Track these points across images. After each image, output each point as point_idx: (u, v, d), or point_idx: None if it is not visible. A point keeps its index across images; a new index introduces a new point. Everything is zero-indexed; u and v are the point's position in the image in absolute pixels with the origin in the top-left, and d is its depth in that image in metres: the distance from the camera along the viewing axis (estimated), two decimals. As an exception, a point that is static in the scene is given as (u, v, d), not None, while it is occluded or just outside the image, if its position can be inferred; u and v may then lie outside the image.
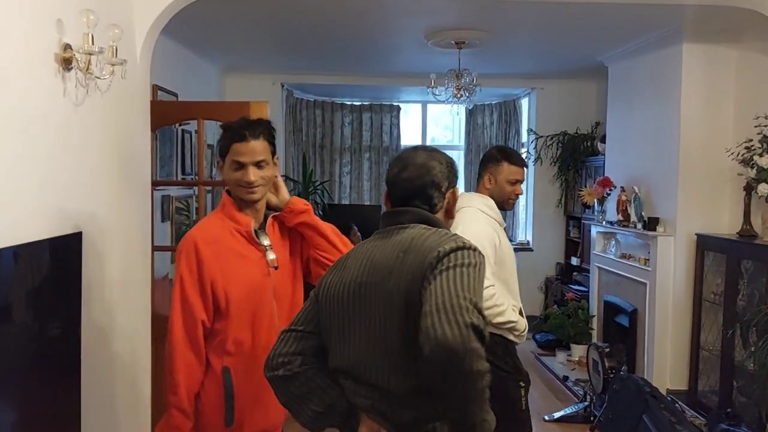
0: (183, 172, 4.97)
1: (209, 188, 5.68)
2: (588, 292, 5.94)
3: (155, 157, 4.23)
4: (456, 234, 1.53)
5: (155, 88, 4.27)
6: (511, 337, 2.76)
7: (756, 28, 4.12)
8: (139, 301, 2.93)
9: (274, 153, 2.03)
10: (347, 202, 7.69)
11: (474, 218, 2.75)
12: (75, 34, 2.18)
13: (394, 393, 1.46)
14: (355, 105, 7.78)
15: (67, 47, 2.16)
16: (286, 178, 6.96)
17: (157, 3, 2.91)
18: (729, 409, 3.79)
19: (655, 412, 3.70)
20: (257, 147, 1.94)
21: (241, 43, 5.42)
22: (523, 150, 7.23)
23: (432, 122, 8.21)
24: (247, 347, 1.99)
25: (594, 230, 5.78)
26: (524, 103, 7.37)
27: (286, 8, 4.28)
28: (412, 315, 1.39)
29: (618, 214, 5.24)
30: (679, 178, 4.53)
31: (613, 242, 5.53)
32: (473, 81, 5.38)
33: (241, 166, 1.93)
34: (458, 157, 8.13)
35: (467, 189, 6.93)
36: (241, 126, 1.96)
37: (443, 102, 5.63)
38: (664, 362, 4.63)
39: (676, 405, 4.11)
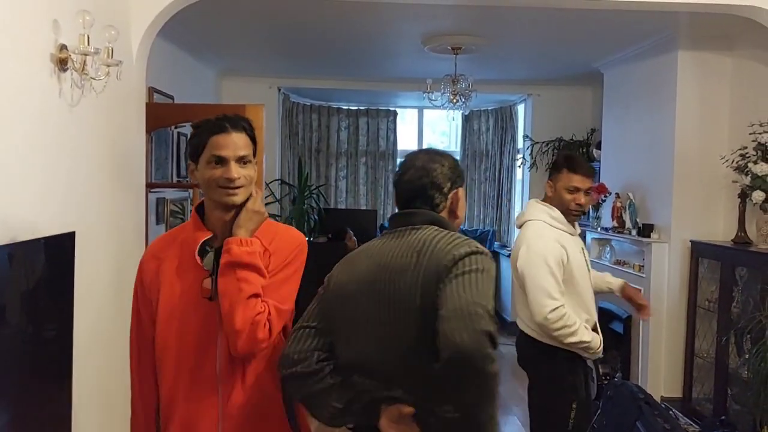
0: (178, 175, 4.96)
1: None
2: (583, 298, 5.93)
3: (150, 159, 4.22)
4: (468, 238, 1.58)
5: (151, 91, 4.26)
6: (586, 355, 2.74)
7: (750, 35, 4.14)
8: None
9: (255, 153, 1.74)
10: (343, 207, 7.68)
11: (538, 235, 2.70)
12: (71, 34, 2.17)
13: (407, 395, 1.50)
14: (352, 109, 7.79)
15: (63, 48, 2.16)
16: (282, 182, 6.95)
17: (153, 5, 2.91)
18: (723, 417, 3.79)
19: (649, 419, 3.70)
20: (240, 140, 1.67)
21: (238, 47, 5.43)
22: (519, 156, 7.24)
23: (428, 128, 8.22)
24: (167, 389, 1.72)
25: (589, 236, 5.78)
26: (520, 109, 7.38)
27: (284, 12, 4.29)
28: (427, 314, 1.44)
29: (613, 220, 5.25)
30: (674, 185, 4.54)
31: (608, 248, 5.54)
32: (469, 86, 5.39)
33: (221, 161, 1.65)
34: (454, 163, 8.14)
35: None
36: (219, 119, 1.71)
37: (439, 107, 5.63)
38: (659, 369, 4.63)
39: (670, 412, 4.10)
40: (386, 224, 7.41)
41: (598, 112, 6.15)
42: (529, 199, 6.92)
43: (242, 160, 1.67)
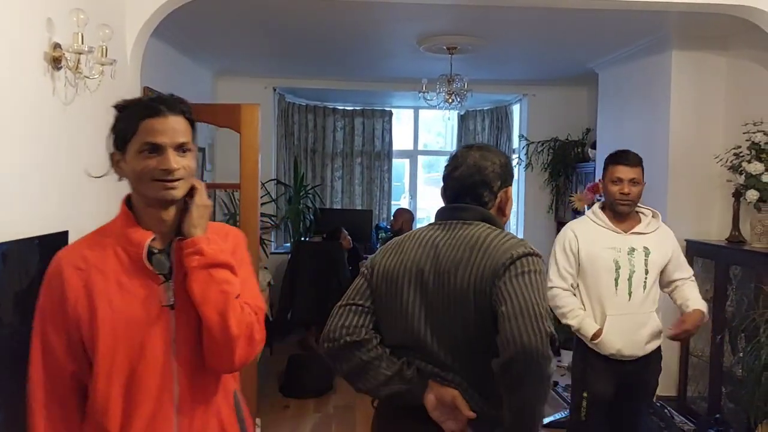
0: (173, 175, 4.95)
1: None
2: (578, 297, 5.94)
3: (145, 159, 4.21)
4: (522, 239, 1.64)
5: (146, 90, 4.24)
6: (590, 345, 2.85)
7: (744, 35, 4.15)
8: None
9: (194, 139, 1.49)
10: (339, 207, 7.67)
11: (570, 222, 3.07)
12: (65, 33, 2.17)
13: (455, 379, 1.58)
14: (347, 110, 7.79)
15: (57, 46, 2.16)
16: (278, 182, 6.95)
17: (148, 4, 2.91)
18: (718, 415, 3.80)
19: (645, 418, 3.71)
20: (178, 125, 1.42)
21: (234, 47, 5.42)
22: (515, 156, 7.26)
23: (424, 128, 8.23)
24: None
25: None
26: (515, 109, 7.39)
27: (279, 12, 4.28)
28: (482, 309, 1.54)
29: (608, 220, 5.26)
30: (669, 185, 4.56)
31: (604, 248, 5.54)
32: (464, 86, 5.39)
33: (156, 149, 1.39)
34: (450, 163, 8.14)
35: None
36: (153, 99, 1.44)
37: (434, 107, 5.64)
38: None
39: (665, 411, 4.12)
40: (381, 224, 7.45)
41: (593, 112, 6.16)
42: (525, 198, 7.00)
43: (181, 148, 1.43)
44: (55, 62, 2.15)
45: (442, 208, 1.77)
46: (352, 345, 1.63)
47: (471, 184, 1.70)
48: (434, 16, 4.35)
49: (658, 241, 2.92)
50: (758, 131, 3.90)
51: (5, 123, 1.92)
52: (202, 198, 1.47)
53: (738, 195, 4.06)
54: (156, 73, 4.39)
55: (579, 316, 2.85)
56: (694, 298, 2.95)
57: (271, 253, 6.72)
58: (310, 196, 7.20)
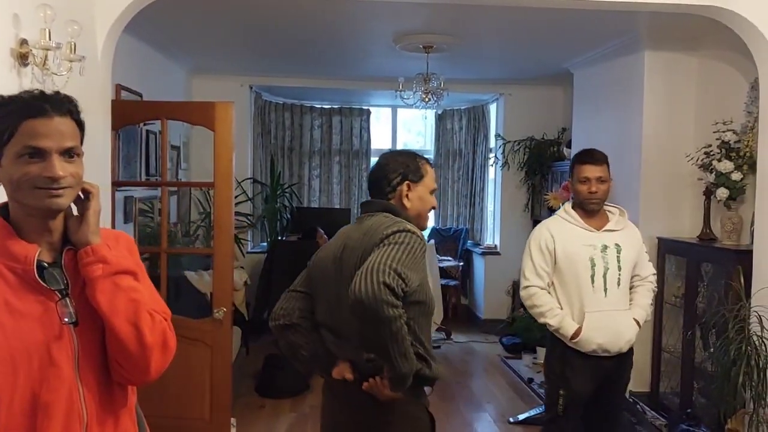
0: (147, 173, 4.91)
1: (174, 189, 5.63)
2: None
3: (118, 157, 4.17)
4: (402, 221, 1.90)
5: (119, 88, 4.21)
6: (569, 343, 2.86)
7: (714, 36, 4.21)
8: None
9: (82, 142, 1.34)
10: (317, 206, 7.65)
11: (541, 223, 3.05)
12: (32, 29, 2.14)
13: (352, 344, 1.87)
14: (325, 108, 7.77)
15: (24, 42, 2.12)
16: (254, 180, 6.91)
17: (118, 0, 2.87)
18: (689, 410, 3.86)
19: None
20: (65, 127, 1.27)
21: (209, 44, 5.38)
22: (491, 155, 7.29)
23: (403, 127, 8.23)
24: None
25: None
26: (492, 108, 7.43)
27: (254, 10, 4.26)
28: None
29: (582, 218, 5.31)
30: (641, 183, 4.61)
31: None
32: (441, 85, 5.41)
33: (39, 154, 1.24)
34: (428, 162, 8.14)
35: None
36: (36, 97, 1.28)
37: (411, 106, 5.65)
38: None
39: (637, 406, 4.17)
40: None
41: (569, 112, 6.22)
42: (501, 196, 7.04)
43: (69, 153, 1.28)
44: (22, 58, 2.12)
45: (361, 203, 2.14)
46: (284, 327, 1.99)
47: (375, 179, 2.04)
48: (410, 14, 4.35)
49: (627, 238, 2.97)
50: (728, 130, 3.96)
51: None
52: (98, 202, 1.35)
53: (709, 193, 4.12)
54: (129, 71, 4.35)
55: (558, 315, 2.86)
56: (637, 305, 2.99)
57: (248, 253, 6.69)
58: (287, 195, 7.17)
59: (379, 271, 1.67)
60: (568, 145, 6.19)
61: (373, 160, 7.95)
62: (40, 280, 1.28)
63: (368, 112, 7.80)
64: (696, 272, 4.11)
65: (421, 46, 5.03)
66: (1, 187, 1.30)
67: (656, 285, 3.13)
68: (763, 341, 3.21)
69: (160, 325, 1.36)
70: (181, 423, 3.67)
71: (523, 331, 5.85)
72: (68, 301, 1.29)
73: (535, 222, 7.01)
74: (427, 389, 2.02)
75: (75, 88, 2.47)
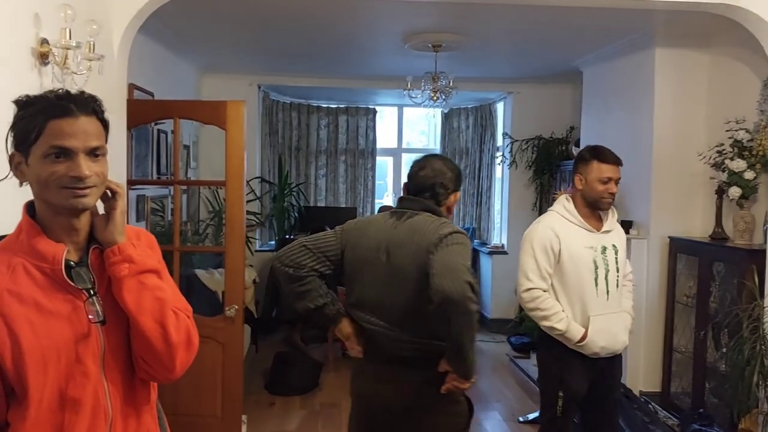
0: (158, 172, 4.91)
1: (184, 188, 5.63)
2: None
3: (131, 156, 4.17)
4: (450, 222, 2.15)
5: (131, 87, 4.21)
6: (571, 346, 2.82)
7: (727, 33, 4.20)
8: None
9: (106, 140, 1.35)
10: (323, 205, 7.66)
11: (538, 221, 2.95)
12: (52, 28, 2.14)
13: (400, 329, 2.10)
14: (332, 108, 7.77)
15: (44, 42, 2.13)
16: (262, 179, 6.92)
17: (135, 0, 2.88)
18: (701, 410, 3.85)
19: (628, 413, 3.75)
20: (90, 127, 1.28)
21: (219, 44, 5.39)
22: (498, 154, 7.29)
23: (408, 127, 8.23)
24: None
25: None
26: (500, 107, 7.42)
27: (264, 10, 4.26)
28: (417, 277, 2.05)
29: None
30: (653, 182, 4.60)
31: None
32: (449, 84, 5.40)
33: (65, 154, 1.25)
34: (434, 161, 8.14)
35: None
36: (60, 97, 1.29)
37: (419, 104, 5.64)
38: (638, 364, 4.68)
39: (649, 406, 4.17)
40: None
41: (577, 110, 6.21)
42: (509, 196, 7.03)
43: (94, 153, 1.29)
44: (43, 58, 2.12)
45: (399, 197, 2.31)
46: (292, 277, 2.15)
47: (432, 184, 2.22)
48: (420, 13, 4.35)
49: (619, 239, 2.96)
50: (741, 129, 3.95)
51: (4, 119, 1.89)
52: (124, 202, 1.38)
53: (721, 192, 4.12)
54: (141, 70, 4.35)
55: (564, 320, 2.80)
56: (624, 310, 2.98)
57: (256, 251, 6.70)
58: (295, 194, 7.18)
59: (460, 272, 1.91)
60: (577, 144, 6.18)
61: (380, 159, 8.02)
62: (68, 279, 1.29)
63: (374, 112, 7.80)
64: (708, 272, 4.10)
65: (430, 45, 5.03)
66: (27, 185, 1.32)
67: (634, 282, 3.14)
68: (777, 341, 3.20)
69: (185, 322, 1.39)
70: (194, 419, 3.69)
71: (531, 330, 5.84)
72: (96, 300, 1.31)
73: (543, 221, 7.03)
74: None
75: (93, 88, 2.47)
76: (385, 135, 7.99)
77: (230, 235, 3.68)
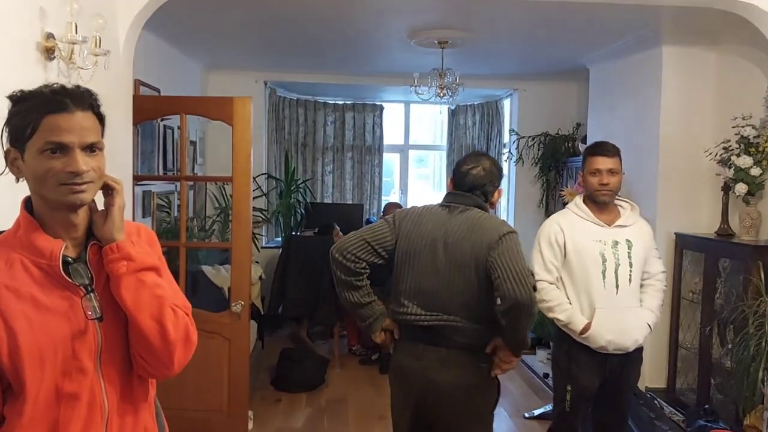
0: (164, 168, 4.94)
1: (190, 185, 5.65)
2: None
3: (137, 152, 4.19)
4: (502, 219, 2.46)
5: (137, 83, 4.23)
6: (577, 339, 2.85)
7: (734, 30, 4.18)
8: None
9: (103, 136, 1.34)
10: (329, 201, 7.67)
11: (553, 216, 3.09)
12: (58, 23, 2.16)
13: (458, 319, 2.30)
14: (338, 104, 7.77)
15: (50, 36, 2.14)
16: (269, 176, 6.94)
17: (140, -5, 2.89)
18: (707, 406, 3.84)
19: (635, 409, 3.74)
20: (86, 122, 1.27)
21: (225, 40, 5.40)
22: (505, 150, 7.28)
23: (415, 123, 8.22)
24: None
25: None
26: (506, 104, 7.41)
27: (270, 6, 4.27)
28: (477, 269, 2.26)
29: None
30: (659, 179, 4.59)
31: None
32: (456, 80, 5.40)
33: (61, 149, 1.24)
34: (441, 158, 8.16)
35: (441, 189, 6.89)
36: (56, 92, 1.27)
37: (426, 101, 5.64)
38: (643, 360, 4.66)
39: (655, 402, 4.16)
40: (372, 219, 7.45)
41: (584, 107, 6.19)
42: (515, 192, 7.02)
43: (90, 148, 1.28)
44: (48, 52, 2.13)
45: (451, 193, 2.45)
46: (351, 270, 2.35)
47: (484, 183, 2.41)
48: (426, 9, 4.35)
49: (637, 234, 2.94)
50: (747, 125, 3.93)
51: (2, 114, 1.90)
52: (122, 198, 1.36)
53: (727, 188, 4.10)
54: (147, 66, 4.37)
55: (567, 311, 2.84)
56: (648, 308, 2.95)
57: (262, 247, 6.72)
58: (301, 190, 7.19)
59: (526, 277, 2.17)
60: (583, 141, 6.16)
61: (386, 155, 8.02)
62: (65, 275, 1.29)
63: (381, 108, 7.80)
64: (714, 268, 4.09)
65: (436, 42, 5.03)
66: (24, 181, 1.32)
67: (666, 283, 3.08)
68: (783, 337, 3.19)
69: (183, 320, 1.38)
70: (201, 415, 3.71)
71: (537, 326, 5.83)
72: (93, 297, 1.31)
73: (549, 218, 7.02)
74: None
75: (99, 83, 2.49)
76: (391, 132, 7.98)
77: (237, 231, 3.69)
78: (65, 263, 1.30)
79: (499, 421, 4.52)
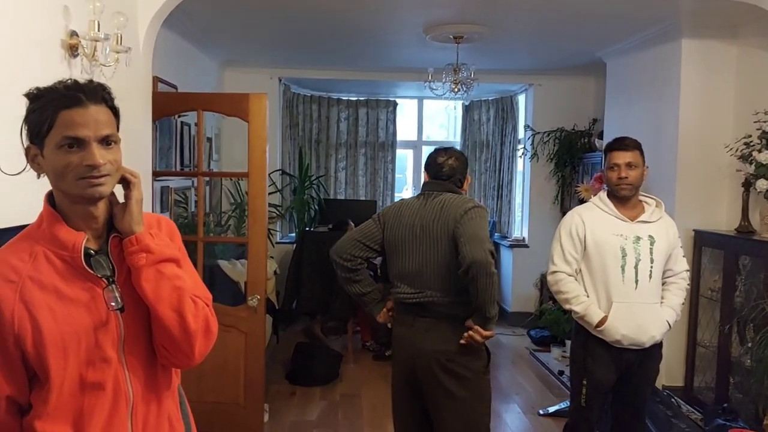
0: (182, 164, 4.95)
1: (207, 180, 5.68)
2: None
3: (155, 148, 4.21)
4: (472, 198, 2.74)
5: (155, 80, 4.23)
6: (594, 332, 2.86)
7: (755, 23, 4.13)
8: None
9: (118, 128, 1.36)
10: (343, 197, 7.67)
11: (576, 208, 3.08)
12: (81, 21, 2.17)
13: (439, 293, 2.56)
14: (351, 100, 7.76)
15: (74, 34, 2.15)
16: (283, 172, 6.95)
17: (160, -8, 2.90)
18: (725, 405, 3.81)
19: (651, 407, 3.72)
20: (101, 115, 1.29)
21: (240, 37, 5.41)
22: (520, 146, 7.24)
23: (428, 119, 8.19)
24: None
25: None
26: (521, 99, 7.37)
27: (285, 3, 4.27)
28: (448, 243, 2.52)
29: (615, 210, 5.25)
30: (678, 175, 4.55)
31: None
32: (471, 75, 5.37)
33: (78, 143, 1.27)
34: (455, 153, 8.10)
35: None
36: (69, 87, 1.29)
37: (440, 96, 5.62)
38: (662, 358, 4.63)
39: (672, 400, 4.13)
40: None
41: (601, 102, 6.14)
42: (530, 188, 6.99)
43: (106, 141, 1.30)
44: (72, 50, 2.15)
45: (427, 182, 2.77)
46: (349, 268, 2.70)
47: (453, 172, 2.73)
48: (441, 4, 4.33)
49: (661, 230, 2.92)
50: (769, 120, 3.89)
51: (23, 112, 1.91)
52: (140, 191, 1.38)
53: (748, 185, 4.06)
54: (165, 63, 4.38)
55: (584, 303, 2.84)
56: (668, 306, 2.92)
57: (277, 243, 6.73)
58: (315, 186, 7.20)
59: (483, 241, 2.43)
60: (600, 136, 6.12)
61: (399, 151, 8.00)
62: (87, 267, 1.32)
63: (394, 104, 7.78)
64: (733, 265, 4.05)
65: (451, 37, 5.00)
66: (45, 177, 1.34)
67: (689, 282, 3.06)
68: (805, 335, 3.16)
69: (203, 310, 1.40)
70: (218, 407, 3.73)
71: (551, 323, 5.82)
72: (115, 288, 1.33)
73: (564, 214, 6.97)
74: None
75: (120, 80, 2.50)
76: (405, 127, 7.97)
77: (253, 226, 3.71)
78: (87, 255, 1.33)
79: (513, 418, 4.53)
